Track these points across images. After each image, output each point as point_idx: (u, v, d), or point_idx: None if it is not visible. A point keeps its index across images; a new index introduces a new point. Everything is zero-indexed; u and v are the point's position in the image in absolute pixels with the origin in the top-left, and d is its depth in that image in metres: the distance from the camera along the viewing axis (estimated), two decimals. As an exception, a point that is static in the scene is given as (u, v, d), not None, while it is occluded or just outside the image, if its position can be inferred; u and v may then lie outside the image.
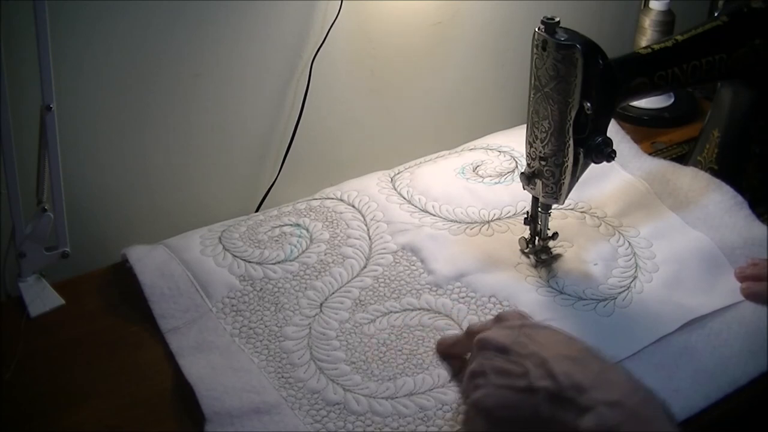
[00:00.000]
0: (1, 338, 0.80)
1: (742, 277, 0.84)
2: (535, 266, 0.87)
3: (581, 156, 0.80)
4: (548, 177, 0.82)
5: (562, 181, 0.82)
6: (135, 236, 0.94)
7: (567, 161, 0.80)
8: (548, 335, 0.66)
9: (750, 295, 0.82)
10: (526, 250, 0.88)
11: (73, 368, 0.77)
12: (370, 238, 0.91)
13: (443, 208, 0.95)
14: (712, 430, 0.72)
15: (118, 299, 0.84)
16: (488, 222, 0.93)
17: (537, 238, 0.88)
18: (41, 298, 0.84)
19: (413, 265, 0.87)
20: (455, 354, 0.76)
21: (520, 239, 0.88)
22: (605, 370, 0.61)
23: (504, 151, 1.05)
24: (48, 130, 0.79)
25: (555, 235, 0.88)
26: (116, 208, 0.99)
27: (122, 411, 0.73)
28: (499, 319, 0.72)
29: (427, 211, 0.95)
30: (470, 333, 0.72)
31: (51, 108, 0.78)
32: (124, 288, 0.86)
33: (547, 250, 0.88)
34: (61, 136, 0.80)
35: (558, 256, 0.88)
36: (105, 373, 0.77)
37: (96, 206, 0.97)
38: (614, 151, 0.80)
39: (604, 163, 0.81)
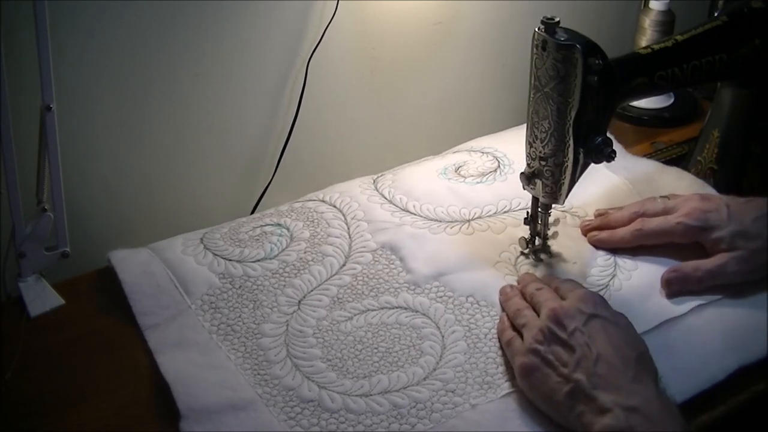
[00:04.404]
0: (1, 338, 0.80)
1: (587, 230, 0.90)
2: (514, 264, 0.87)
3: (581, 156, 0.80)
4: (548, 177, 0.82)
5: (562, 181, 0.82)
6: (135, 236, 0.94)
7: (567, 161, 0.80)
8: (611, 334, 0.70)
9: (597, 243, 0.89)
10: (525, 251, 0.88)
11: (73, 368, 0.77)
12: (350, 237, 0.91)
13: (424, 207, 0.95)
14: (711, 430, 0.72)
15: (119, 299, 0.84)
16: (468, 221, 0.93)
17: (537, 237, 0.88)
18: (41, 298, 0.84)
19: (392, 263, 0.87)
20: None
21: (520, 239, 0.88)
22: (639, 378, 0.66)
23: (487, 152, 1.05)
24: (48, 130, 0.79)
25: (555, 234, 0.88)
26: (116, 208, 0.99)
27: (122, 411, 0.73)
28: (574, 289, 0.76)
29: (407, 211, 0.95)
30: (549, 281, 0.80)
31: (51, 108, 0.78)
32: (121, 288, 0.85)
33: (547, 249, 0.88)
34: (61, 136, 0.80)
35: (554, 255, 0.88)
36: (105, 373, 0.77)
37: (96, 206, 0.98)
38: (614, 151, 0.80)
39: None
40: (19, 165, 0.79)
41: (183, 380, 0.73)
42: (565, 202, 0.88)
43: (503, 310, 0.80)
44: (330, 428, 0.70)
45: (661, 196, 0.90)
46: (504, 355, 0.76)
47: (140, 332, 0.80)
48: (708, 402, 0.73)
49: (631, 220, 0.88)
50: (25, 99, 0.80)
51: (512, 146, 1.02)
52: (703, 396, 0.73)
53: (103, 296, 0.86)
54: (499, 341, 0.77)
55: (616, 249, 0.88)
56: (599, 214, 0.92)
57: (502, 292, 0.82)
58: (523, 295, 0.79)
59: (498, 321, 0.79)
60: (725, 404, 0.73)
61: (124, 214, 1.00)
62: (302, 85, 1.04)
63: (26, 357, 0.78)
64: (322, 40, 1.02)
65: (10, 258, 0.85)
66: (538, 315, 0.74)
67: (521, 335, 0.74)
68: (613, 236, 0.88)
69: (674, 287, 0.82)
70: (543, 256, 0.88)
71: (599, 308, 0.72)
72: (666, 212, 0.86)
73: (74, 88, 0.89)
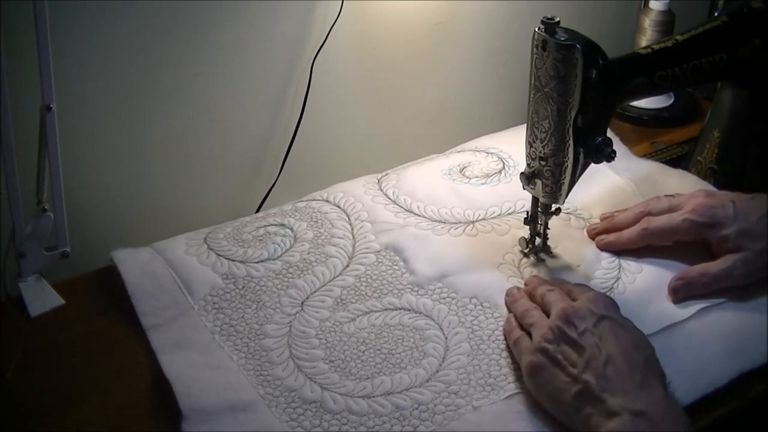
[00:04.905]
0: (1, 338, 0.80)
1: (594, 234, 0.90)
2: (518, 266, 0.87)
3: (581, 156, 0.80)
4: (548, 177, 0.82)
5: (562, 181, 0.82)
6: (135, 236, 0.94)
7: (567, 161, 0.80)
8: (621, 336, 0.69)
9: (605, 246, 0.88)
10: (526, 250, 0.88)
11: (73, 368, 0.77)
12: (353, 238, 0.91)
13: (428, 208, 0.95)
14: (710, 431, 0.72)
15: (118, 299, 0.84)
16: (472, 222, 0.93)
17: (537, 237, 0.88)
18: (41, 298, 0.84)
19: (395, 264, 0.87)
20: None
21: (520, 239, 0.88)
22: (646, 382, 0.66)
23: (492, 153, 1.05)
24: (48, 130, 0.79)
25: (558, 210, 0.87)
26: (116, 208, 0.99)
27: (122, 411, 0.73)
28: (585, 291, 0.76)
29: (411, 212, 0.95)
30: (560, 284, 0.80)
31: (51, 108, 0.78)
32: (123, 288, 0.85)
33: (547, 249, 0.88)
34: (61, 136, 0.80)
35: (554, 255, 0.88)
36: (105, 373, 0.77)
37: (96, 206, 0.98)
38: (614, 151, 0.80)
39: (593, 164, 0.81)
40: (19, 165, 0.79)
41: (185, 381, 0.73)
42: (569, 203, 0.89)
43: (510, 311, 0.80)
44: (332, 429, 0.70)
45: (665, 195, 0.89)
46: (507, 357, 0.76)
47: (141, 332, 0.80)
48: (709, 404, 0.73)
49: (636, 220, 0.87)
50: (25, 99, 0.80)
51: (517, 147, 1.01)
52: (704, 398, 0.73)
53: (103, 296, 0.86)
54: (506, 341, 0.77)
55: (622, 250, 0.88)
56: (605, 218, 0.92)
57: (509, 293, 0.82)
58: (531, 297, 0.79)
59: (504, 322, 0.79)
60: (726, 406, 0.73)
61: (125, 214, 1.00)
62: (307, 85, 1.04)
63: (26, 357, 0.78)
64: (326, 40, 1.02)
65: (10, 258, 0.85)
66: (547, 316, 0.74)
67: (529, 335, 0.74)
68: (620, 238, 0.88)
69: (681, 294, 0.82)
70: (545, 257, 0.88)
71: (610, 310, 0.72)
72: (671, 210, 0.86)
73: (74, 88, 0.89)
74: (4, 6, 0.76)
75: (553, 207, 0.86)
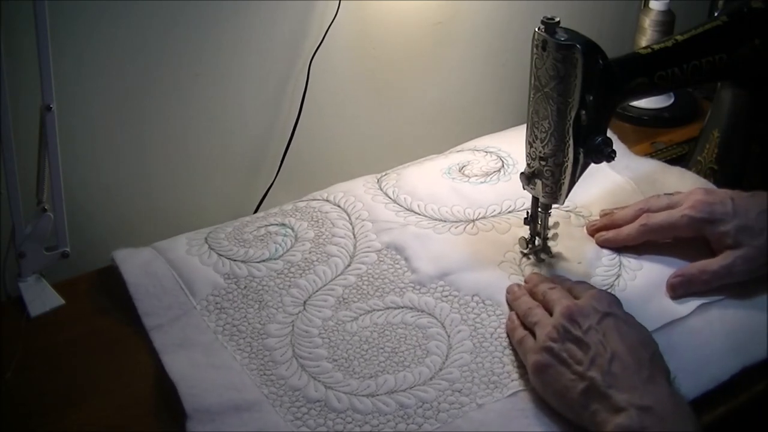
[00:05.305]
0: (1, 338, 0.80)
1: (593, 230, 0.90)
2: (519, 264, 0.87)
3: (581, 156, 0.80)
4: (548, 177, 0.82)
5: (562, 181, 0.82)
6: (135, 237, 0.94)
7: (567, 161, 0.80)
8: (625, 333, 0.70)
9: (604, 243, 0.89)
10: (525, 250, 0.88)
11: (73, 368, 0.77)
12: (354, 237, 0.91)
13: (428, 207, 0.95)
14: (712, 430, 0.72)
15: (118, 299, 0.84)
16: (473, 221, 0.93)
17: (537, 237, 0.88)
18: (41, 298, 0.84)
19: (397, 263, 0.88)
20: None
21: (520, 239, 0.88)
22: (652, 378, 0.66)
23: (491, 152, 1.05)
24: (48, 130, 0.79)
25: (555, 236, 0.88)
26: (116, 208, 0.99)
27: (122, 411, 0.73)
28: (588, 289, 0.77)
29: (412, 210, 0.95)
30: (560, 281, 0.81)
31: (51, 108, 0.78)
32: (124, 288, 0.85)
33: (547, 249, 0.88)
34: (61, 136, 0.80)
35: (554, 255, 0.88)
36: (105, 373, 0.77)
37: (96, 206, 0.98)
38: (614, 151, 0.80)
39: (593, 163, 0.81)
40: (19, 165, 0.79)
41: (189, 381, 0.73)
42: (570, 202, 0.89)
43: (511, 308, 0.80)
44: (337, 428, 0.70)
45: (665, 193, 0.90)
46: (510, 354, 0.76)
47: (143, 332, 0.80)
48: (709, 402, 0.73)
49: (636, 217, 0.88)
50: (25, 99, 0.80)
51: (516, 146, 1.02)
52: (704, 396, 0.73)
53: (103, 296, 0.86)
54: (509, 340, 0.77)
55: (622, 247, 0.88)
56: (604, 214, 0.92)
57: (510, 290, 0.82)
58: (533, 295, 0.79)
59: (506, 320, 0.79)
60: (726, 405, 0.73)
61: (125, 214, 1.00)
62: (304, 84, 1.04)
63: (26, 357, 0.78)
64: (324, 40, 1.02)
65: (10, 258, 0.85)
66: (550, 314, 0.74)
67: (532, 333, 0.74)
68: (619, 234, 0.88)
69: (679, 291, 0.82)
70: (544, 256, 0.88)
71: (613, 307, 0.72)
72: (670, 207, 0.86)
73: (74, 88, 0.89)
74: (4, 6, 0.76)
75: (551, 233, 0.87)
